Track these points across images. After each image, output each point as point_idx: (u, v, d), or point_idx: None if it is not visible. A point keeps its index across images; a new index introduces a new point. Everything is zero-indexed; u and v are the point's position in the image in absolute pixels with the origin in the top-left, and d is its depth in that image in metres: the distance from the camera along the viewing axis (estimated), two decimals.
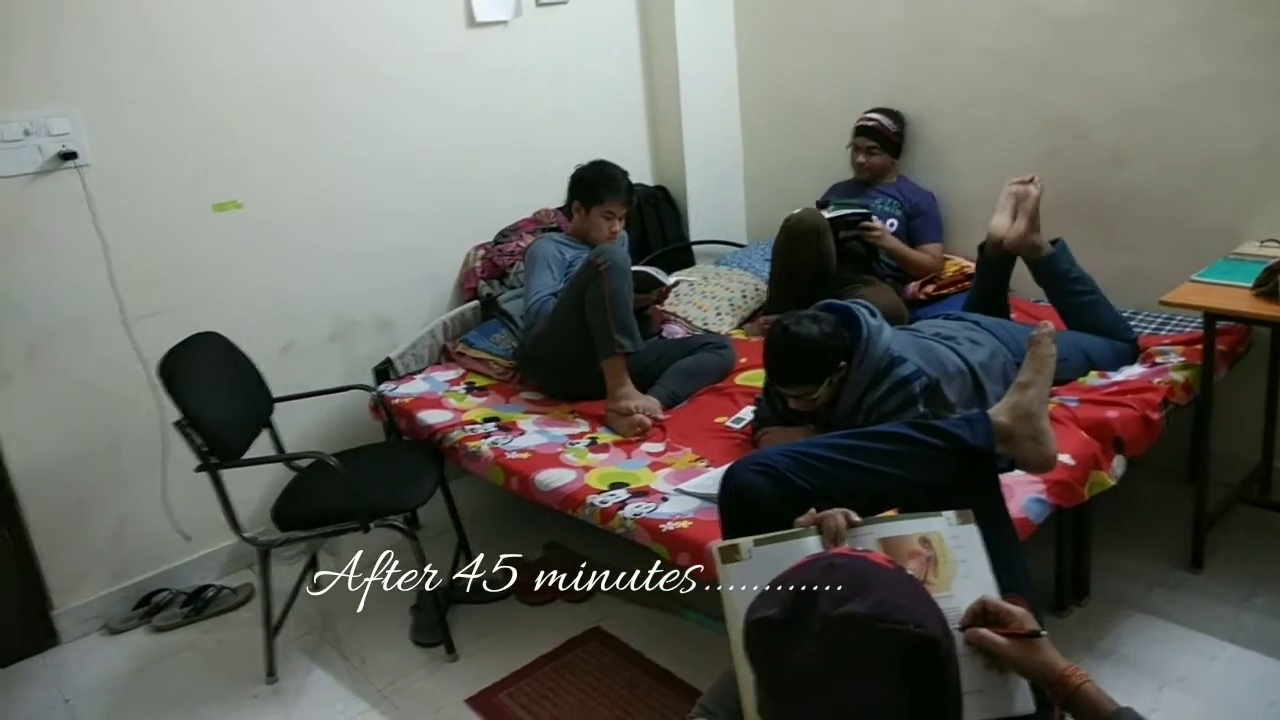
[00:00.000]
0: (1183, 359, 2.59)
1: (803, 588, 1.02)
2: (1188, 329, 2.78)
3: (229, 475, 2.39)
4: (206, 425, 2.31)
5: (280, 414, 2.71)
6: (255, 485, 2.87)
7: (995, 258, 2.77)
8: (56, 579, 2.73)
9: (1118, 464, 2.29)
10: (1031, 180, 2.72)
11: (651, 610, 2.60)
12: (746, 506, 1.54)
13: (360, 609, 2.77)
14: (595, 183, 3.02)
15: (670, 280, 3.11)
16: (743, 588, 1.24)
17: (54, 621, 2.73)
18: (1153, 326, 2.88)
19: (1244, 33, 2.63)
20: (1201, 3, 2.69)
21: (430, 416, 2.87)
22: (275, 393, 2.69)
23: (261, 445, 2.63)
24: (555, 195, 3.28)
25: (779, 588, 1.05)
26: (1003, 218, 2.73)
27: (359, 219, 3.14)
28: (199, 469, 2.35)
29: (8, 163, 2.47)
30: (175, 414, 2.33)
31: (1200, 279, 2.54)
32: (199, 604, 2.82)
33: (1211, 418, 2.51)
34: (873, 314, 2.32)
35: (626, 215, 3.09)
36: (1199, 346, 2.48)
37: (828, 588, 1.00)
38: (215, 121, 2.80)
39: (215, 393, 2.42)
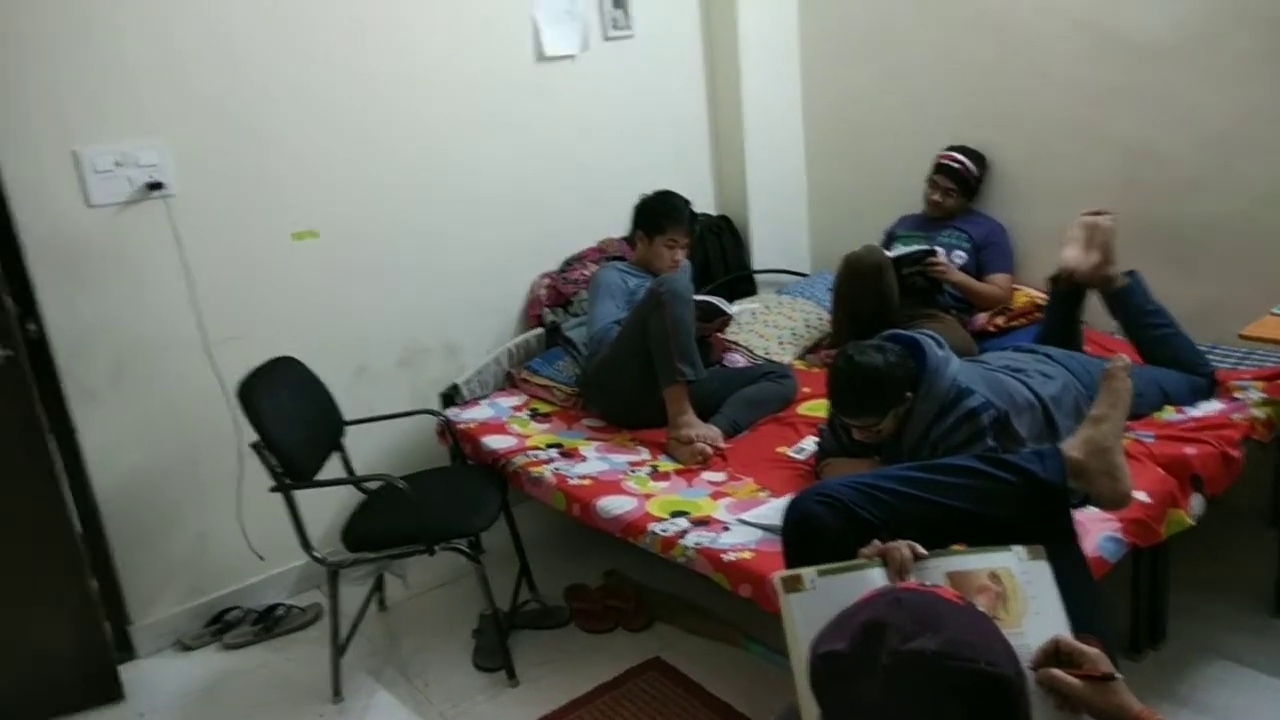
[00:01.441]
0: (1263, 395, 2.51)
1: (871, 621, 1.01)
2: (1268, 364, 2.69)
3: (301, 496, 2.46)
4: (282, 447, 2.38)
5: (350, 436, 2.78)
6: (325, 506, 2.94)
7: (1067, 290, 2.72)
8: (134, 594, 2.82)
9: (1196, 503, 2.22)
10: (1104, 212, 2.67)
11: (712, 641, 2.59)
12: (810, 537, 1.53)
13: (424, 631, 2.81)
14: (658, 212, 3.05)
15: (733, 309, 3.12)
16: (806, 619, 1.23)
17: (131, 636, 2.82)
18: (1231, 360, 2.79)
19: None
20: None
21: (495, 442, 2.91)
22: (346, 416, 2.76)
23: (332, 467, 2.69)
24: (619, 224, 3.32)
25: (846, 621, 1.04)
26: (1075, 249, 2.68)
27: (429, 248, 3.22)
28: (273, 489, 2.42)
29: (99, 192, 2.59)
30: (252, 435, 2.40)
31: None
32: (269, 623, 2.88)
33: None
34: (939, 345, 2.30)
35: (689, 244, 3.11)
36: (1279, 381, 2.40)
37: (897, 622, 0.99)
38: (294, 153, 2.90)
39: (290, 415, 2.49)
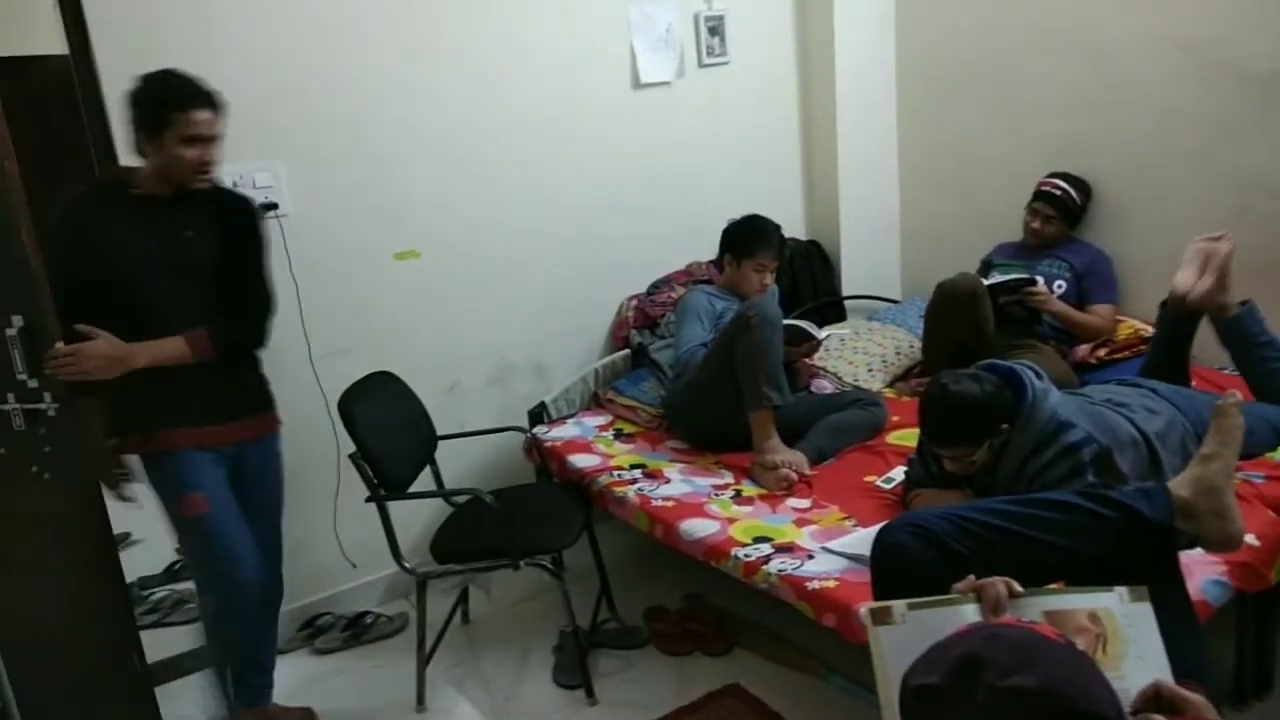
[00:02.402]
0: None
1: (967, 655, 0.99)
2: None
3: (393, 507, 2.53)
4: (377, 459, 2.47)
5: (441, 451, 2.85)
6: (416, 518, 3.02)
7: (1177, 316, 2.61)
8: None
9: None
10: (1222, 237, 2.57)
11: (792, 670, 2.56)
12: (899, 568, 1.51)
13: (506, 645, 2.85)
14: (747, 236, 3.06)
15: (822, 335, 3.10)
16: (895, 653, 1.21)
17: None
18: None
19: None
20: None
21: (580, 460, 2.95)
22: (439, 431, 2.84)
23: (424, 480, 2.77)
24: (708, 248, 3.34)
25: (940, 655, 1.02)
26: (1188, 273, 2.57)
27: (521, 270, 3.30)
28: (369, 499, 2.50)
29: None
30: (351, 447, 2.49)
31: None
32: (358, 629, 2.97)
33: None
34: (1039, 375, 2.24)
35: (778, 269, 3.11)
36: None
37: (994, 657, 0.97)
38: (400, 177, 3.01)
39: (386, 429, 2.57)
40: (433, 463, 2.83)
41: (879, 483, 2.64)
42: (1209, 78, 2.92)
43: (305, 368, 2.89)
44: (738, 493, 2.67)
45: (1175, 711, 1.14)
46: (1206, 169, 2.99)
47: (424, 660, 2.60)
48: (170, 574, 3.18)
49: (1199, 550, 1.95)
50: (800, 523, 2.47)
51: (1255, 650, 2.23)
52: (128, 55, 2.41)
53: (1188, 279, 2.57)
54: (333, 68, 2.86)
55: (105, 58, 2.49)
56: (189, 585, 2.85)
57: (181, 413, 2.22)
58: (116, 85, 2.27)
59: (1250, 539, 2.02)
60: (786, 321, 2.94)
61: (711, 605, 2.84)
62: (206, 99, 2.14)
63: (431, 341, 3.14)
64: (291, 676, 2.81)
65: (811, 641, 2.54)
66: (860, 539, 2.31)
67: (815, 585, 2.14)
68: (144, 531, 3.01)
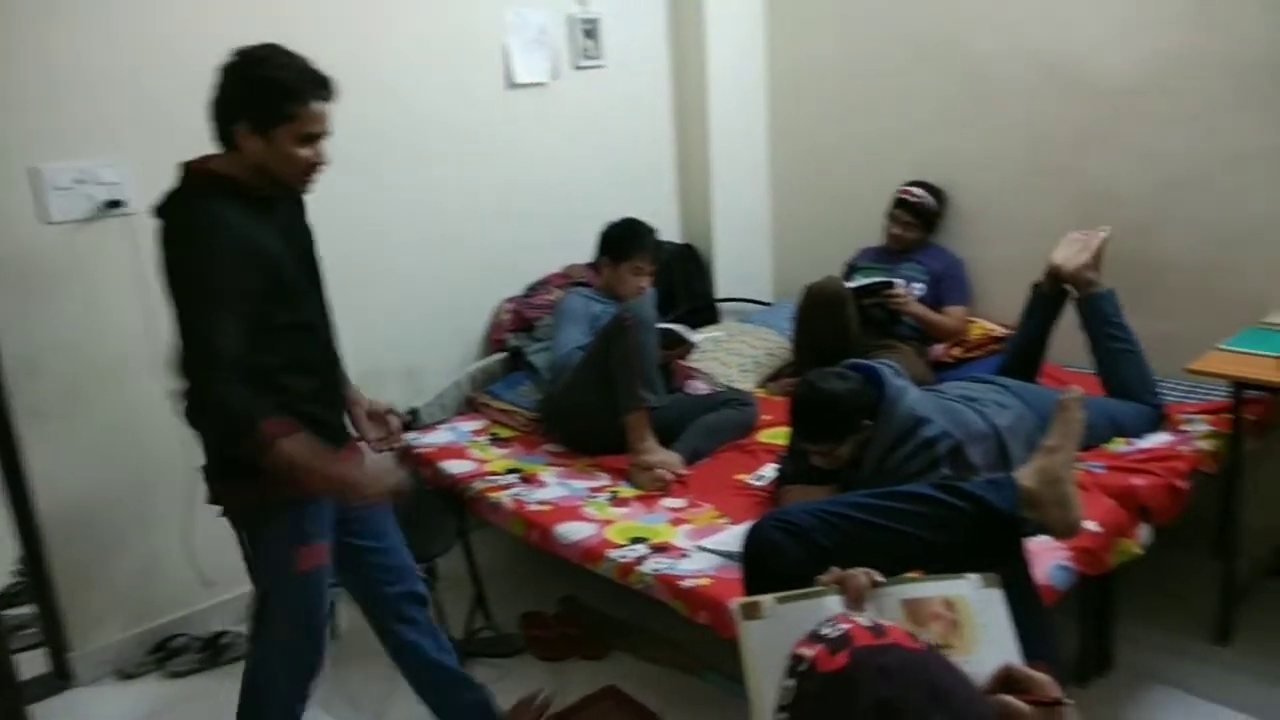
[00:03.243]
0: (1209, 427, 2.57)
1: (878, 705, 0.95)
2: (1213, 397, 2.76)
3: None
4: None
5: None
6: None
7: (1048, 293, 2.79)
8: (75, 620, 2.74)
9: (1144, 533, 2.27)
10: (1100, 229, 2.77)
11: (670, 670, 2.57)
12: (769, 563, 1.54)
13: (376, 660, 2.75)
14: (623, 239, 3.08)
15: (695, 338, 3.14)
16: (764, 647, 1.22)
17: (70, 664, 2.74)
18: (1178, 394, 2.86)
19: (1277, 105, 2.66)
20: (1235, 76, 2.74)
21: (454, 466, 2.89)
22: None
23: None
24: (585, 251, 3.33)
25: (845, 707, 0.98)
26: (1065, 250, 2.76)
27: (392, 268, 3.20)
28: (221, 513, 2.36)
29: (58, 209, 2.55)
30: (201, 459, 2.35)
31: (1228, 348, 2.54)
32: (215, 650, 2.82)
33: (1240, 489, 2.47)
34: (898, 374, 2.34)
35: (654, 271, 3.13)
36: (1224, 415, 2.47)
37: (906, 703, 0.95)
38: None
39: None
40: None
41: (751, 480, 2.69)
42: (1061, 92, 3.11)
43: (153, 374, 2.70)
44: (614, 494, 2.68)
45: (1023, 691, 1.20)
46: (1055, 179, 3.18)
47: None
48: None
49: (1045, 537, 2.07)
50: (675, 522, 2.49)
51: (1097, 631, 2.38)
52: None
53: (1066, 254, 2.75)
54: (181, 55, 2.70)
55: None
56: None
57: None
58: None
59: (1091, 526, 2.15)
60: (661, 325, 2.96)
61: (588, 609, 2.83)
62: (328, 89, 1.82)
63: None
64: (143, 701, 2.65)
65: (688, 640, 2.56)
66: (733, 536, 2.35)
67: (689, 584, 2.17)
68: None
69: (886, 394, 2.26)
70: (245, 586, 2.81)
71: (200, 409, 1.77)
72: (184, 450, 2.63)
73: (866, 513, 1.56)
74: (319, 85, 1.80)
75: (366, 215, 3.10)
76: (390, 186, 3.14)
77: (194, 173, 1.84)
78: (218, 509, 1.95)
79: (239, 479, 1.82)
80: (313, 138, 1.81)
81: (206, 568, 2.86)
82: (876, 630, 1.05)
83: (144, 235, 2.62)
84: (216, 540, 2.66)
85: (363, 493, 1.79)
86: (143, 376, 2.71)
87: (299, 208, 1.98)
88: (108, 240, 2.63)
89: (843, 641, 1.04)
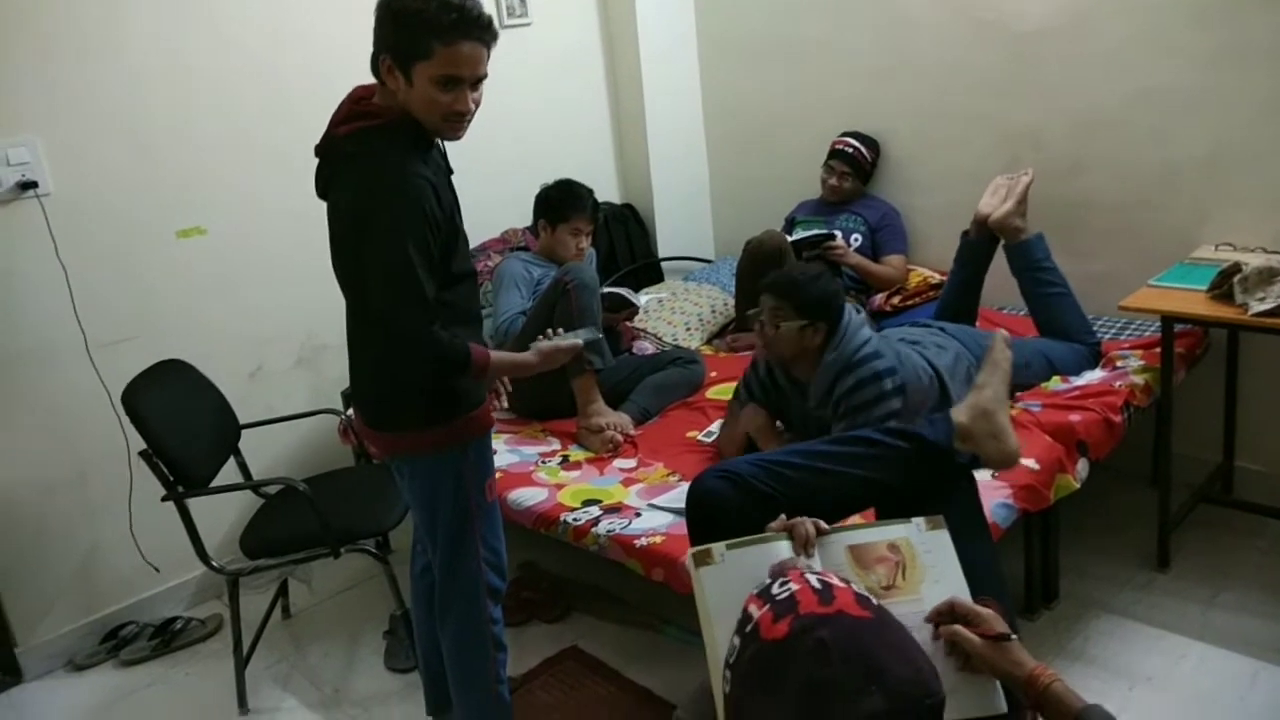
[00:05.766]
0: (1142, 362, 2.64)
1: (811, 683, 0.98)
2: (1146, 333, 2.83)
3: (196, 504, 2.36)
4: (171, 454, 2.29)
5: (248, 440, 2.68)
6: (224, 514, 2.83)
7: (977, 241, 2.82)
8: (20, 614, 2.67)
9: (1082, 467, 2.33)
10: (1024, 172, 2.80)
11: (629, 627, 2.59)
12: (711, 512, 1.55)
13: (332, 636, 2.74)
14: (560, 201, 3.04)
15: (640, 300, 3.13)
16: (716, 591, 1.26)
17: (17, 659, 2.67)
18: (1113, 331, 2.94)
19: (1194, 44, 2.71)
20: (1153, 16, 2.77)
21: None
22: (243, 419, 2.66)
23: (229, 473, 2.60)
24: (522, 215, 3.28)
25: (775, 681, 1.01)
26: (991, 198, 2.80)
27: (325, 241, 3.11)
28: (165, 498, 2.32)
29: None
30: (141, 443, 2.29)
31: (1157, 284, 2.60)
32: (167, 636, 2.77)
33: (1172, 419, 2.55)
34: (856, 310, 2.38)
35: (593, 231, 3.10)
36: (1158, 350, 2.54)
37: (837, 680, 0.97)
38: (177, 148, 2.78)
39: (180, 421, 2.39)
40: (238, 453, 2.65)
41: (700, 437, 2.71)
42: (984, 37, 3.12)
43: (81, 360, 2.63)
44: (565, 458, 2.67)
45: (969, 625, 1.23)
46: (982, 124, 3.21)
47: (242, 661, 2.46)
48: None
49: (987, 477, 2.12)
50: (627, 482, 2.50)
51: (1041, 564, 2.45)
52: None
53: (990, 202, 2.79)
54: (92, 33, 2.59)
55: None
56: None
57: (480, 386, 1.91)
58: None
59: (1030, 463, 2.21)
60: (606, 289, 2.95)
61: (545, 572, 2.83)
62: (479, 27, 1.64)
63: (228, 324, 2.94)
64: (96, 692, 2.61)
65: (645, 598, 2.58)
66: (684, 493, 2.36)
67: (643, 542, 2.18)
68: None
69: (844, 320, 2.29)
70: (194, 570, 2.79)
71: (415, 351, 1.72)
72: (120, 437, 2.58)
73: (807, 458, 1.58)
74: (467, 22, 1.63)
75: (292, 187, 2.94)
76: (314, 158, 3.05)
77: (364, 110, 1.74)
78: (394, 459, 1.93)
79: (444, 422, 1.83)
80: (456, 80, 1.66)
81: (152, 554, 2.80)
82: (824, 595, 1.05)
83: (61, 217, 2.56)
84: (160, 526, 2.63)
85: (559, 359, 2.00)
86: (72, 364, 2.63)
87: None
88: (23, 223, 2.52)
89: (788, 606, 1.05)
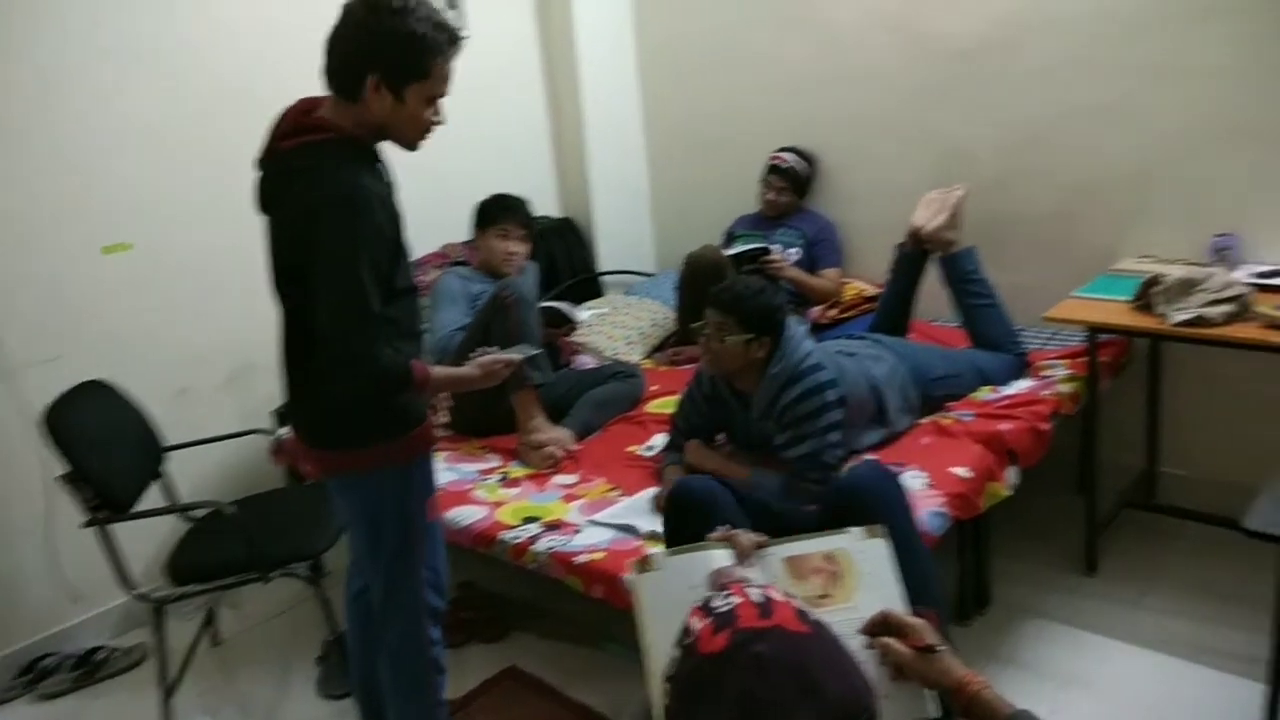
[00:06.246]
0: (1069, 372, 2.71)
1: (744, 695, 0.98)
2: (1072, 343, 2.91)
3: (120, 529, 2.28)
4: (94, 477, 2.21)
5: (175, 463, 2.60)
6: (149, 539, 2.74)
7: (911, 253, 2.88)
8: None
9: (1012, 474, 2.38)
10: (956, 187, 2.87)
11: (569, 645, 2.57)
12: (682, 504, 1.62)
13: (264, 663, 2.66)
14: (488, 206, 3.07)
15: (580, 315, 3.12)
16: (654, 596, 1.29)
17: None
18: (1039, 341, 3.01)
19: (1122, 62, 2.80)
20: (1082, 35, 2.86)
21: None
22: (169, 440, 2.58)
23: (155, 497, 2.52)
24: (461, 230, 3.26)
25: (712, 687, 1.00)
26: (924, 212, 2.86)
27: (256, 258, 3.04)
28: (87, 524, 2.24)
29: None
30: (60, 467, 2.21)
31: (1082, 295, 2.67)
32: (89, 667, 2.67)
33: (1098, 427, 2.62)
34: (799, 323, 2.40)
35: (528, 239, 3.07)
36: (1083, 359, 2.60)
37: (772, 697, 0.97)
38: (99, 161, 2.70)
39: (103, 443, 2.31)
40: (164, 476, 2.57)
41: (641, 451, 2.70)
42: (919, 53, 3.20)
43: None
44: (505, 475, 2.64)
45: (901, 635, 1.24)
46: (917, 139, 3.28)
47: (168, 692, 2.37)
48: None
49: (921, 486, 2.16)
50: (568, 498, 2.48)
51: (974, 571, 2.50)
52: None
53: (925, 216, 2.85)
54: (7, 44, 2.51)
55: None
56: None
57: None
58: None
59: (962, 471, 2.26)
60: (545, 305, 2.93)
61: (484, 592, 2.79)
62: (459, 44, 1.71)
63: (154, 343, 2.85)
64: None
65: (586, 615, 2.56)
66: (626, 508, 2.36)
67: (584, 559, 2.16)
68: None
69: (787, 333, 2.31)
70: (118, 598, 2.69)
71: (360, 369, 1.68)
72: (37, 461, 2.49)
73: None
74: (454, 42, 1.70)
75: (222, 202, 2.92)
76: (245, 175, 2.98)
77: (312, 124, 1.71)
78: (335, 478, 1.87)
79: (387, 440, 1.80)
80: (438, 96, 1.73)
81: (72, 581, 2.70)
82: (764, 609, 1.05)
83: None
84: (82, 552, 2.53)
85: (500, 374, 1.98)
86: None
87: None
88: None
89: (727, 619, 1.04)
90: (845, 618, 1.24)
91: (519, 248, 3.04)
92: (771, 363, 2.29)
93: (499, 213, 3.02)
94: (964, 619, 2.48)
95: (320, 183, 1.66)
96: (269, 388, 3.10)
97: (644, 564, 1.32)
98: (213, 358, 3.01)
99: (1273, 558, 1.59)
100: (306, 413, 1.86)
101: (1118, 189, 2.90)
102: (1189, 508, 2.77)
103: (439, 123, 1.78)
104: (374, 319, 1.67)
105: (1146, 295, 2.46)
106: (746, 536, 1.37)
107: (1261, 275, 2.51)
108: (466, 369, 1.98)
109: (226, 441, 2.79)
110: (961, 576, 2.47)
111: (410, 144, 1.79)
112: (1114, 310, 2.52)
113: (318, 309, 1.68)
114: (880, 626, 1.25)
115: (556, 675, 2.46)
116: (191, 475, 2.81)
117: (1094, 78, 2.86)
